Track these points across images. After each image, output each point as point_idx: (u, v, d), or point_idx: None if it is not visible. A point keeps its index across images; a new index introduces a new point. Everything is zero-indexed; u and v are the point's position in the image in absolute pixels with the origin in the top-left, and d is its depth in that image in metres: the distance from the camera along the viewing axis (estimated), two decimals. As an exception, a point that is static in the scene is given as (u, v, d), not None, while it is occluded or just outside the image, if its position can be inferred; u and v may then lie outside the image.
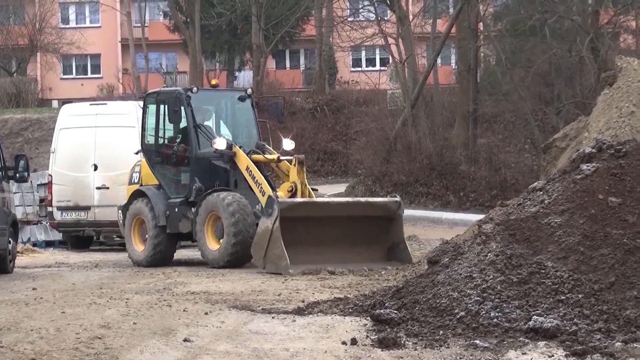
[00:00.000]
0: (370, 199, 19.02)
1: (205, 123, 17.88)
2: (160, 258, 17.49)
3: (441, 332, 8.44)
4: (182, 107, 17.37)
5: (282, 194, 16.08)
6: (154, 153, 18.05)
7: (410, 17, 36.61)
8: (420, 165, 31.76)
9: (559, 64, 31.47)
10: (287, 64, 55.35)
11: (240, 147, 17.06)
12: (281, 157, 16.97)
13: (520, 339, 8.11)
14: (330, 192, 28.79)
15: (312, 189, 16.74)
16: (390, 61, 39.24)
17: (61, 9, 55.16)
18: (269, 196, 15.69)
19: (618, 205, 9.13)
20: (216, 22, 43.16)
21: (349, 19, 38.97)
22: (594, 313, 8.33)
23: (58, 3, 53.86)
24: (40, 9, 51.80)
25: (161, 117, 17.86)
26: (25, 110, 44.04)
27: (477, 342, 8.07)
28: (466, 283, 8.86)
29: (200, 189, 17.03)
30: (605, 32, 30.58)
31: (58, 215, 23.17)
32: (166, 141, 17.97)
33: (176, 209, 17.30)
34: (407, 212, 19.56)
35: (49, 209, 23.49)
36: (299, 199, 16.01)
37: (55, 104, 49.73)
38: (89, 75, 55.53)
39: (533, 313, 8.36)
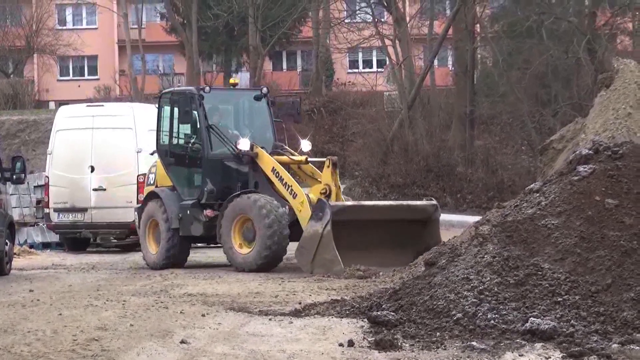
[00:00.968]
0: (411, 202, 18.47)
1: (221, 123, 17.37)
2: (173, 261, 17.09)
3: (438, 333, 8.43)
4: (194, 107, 16.96)
5: (313, 196, 15.81)
6: (168, 154, 17.65)
7: (407, 18, 36.66)
8: (417, 167, 31.82)
9: (556, 65, 31.54)
10: (284, 66, 55.36)
11: (262, 148, 16.67)
12: (309, 159, 16.68)
13: (517, 340, 8.11)
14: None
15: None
16: (387, 63, 39.23)
17: (58, 11, 55.14)
18: (320, 199, 15.40)
19: (615, 207, 9.13)
20: (213, 23, 43.15)
21: (346, 21, 38.98)
22: (591, 315, 8.33)
23: (55, 4, 53.83)
24: (37, 10, 51.75)
25: (175, 117, 17.41)
26: (22, 111, 43.98)
27: (474, 343, 8.07)
28: (463, 285, 8.85)
29: (212, 191, 16.73)
30: (602, 33, 30.67)
31: (55, 217, 23.17)
32: (180, 142, 17.52)
33: (188, 211, 16.90)
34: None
35: (46, 210, 23.47)
36: (348, 202, 15.89)
37: (52, 105, 49.72)
38: (86, 76, 55.49)
39: (530, 315, 8.35)
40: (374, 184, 32.13)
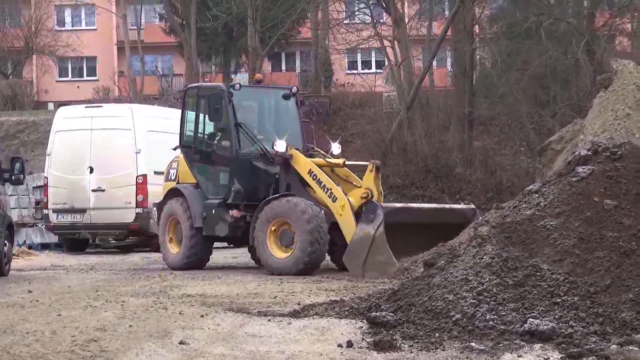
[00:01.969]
0: (453, 206, 18.28)
1: (248, 121, 16.85)
2: (196, 262, 16.74)
3: (437, 334, 8.43)
4: (223, 105, 16.42)
5: (353, 200, 15.48)
6: (192, 150, 17.12)
7: (406, 19, 36.64)
8: (416, 168, 31.79)
9: (555, 66, 31.53)
10: (283, 67, 55.36)
11: (297, 150, 16.25)
12: (347, 162, 16.32)
13: (516, 341, 8.11)
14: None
15: None
16: (386, 64, 39.22)
17: (57, 12, 55.14)
18: (371, 202, 15.16)
19: (614, 207, 9.14)
20: (212, 24, 43.13)
21: (345, 22, 38.95)
22: (590, 316, 8.33)
23: (54, 5, 53.81)
24: (36, 11, 51.75)
25: (201, 113, 16.89)
26: (21, 112, 43.95)
27: (473, 344, 8.07)
28: (462, 286, 8.86)
29: (239, 191, 16.27)
30: (600, 34, 30.68)
31: (54, 218, 23.18)
32: (206, 138, 17.00)
33: (213, 211, 16.43)
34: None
35: (45, 211, 23.49)
36: (398, 204, 15.66)
37: (51, 106, 49.65)
38: (85, 77, 55.48)
39: (529, 315, 8.36)
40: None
